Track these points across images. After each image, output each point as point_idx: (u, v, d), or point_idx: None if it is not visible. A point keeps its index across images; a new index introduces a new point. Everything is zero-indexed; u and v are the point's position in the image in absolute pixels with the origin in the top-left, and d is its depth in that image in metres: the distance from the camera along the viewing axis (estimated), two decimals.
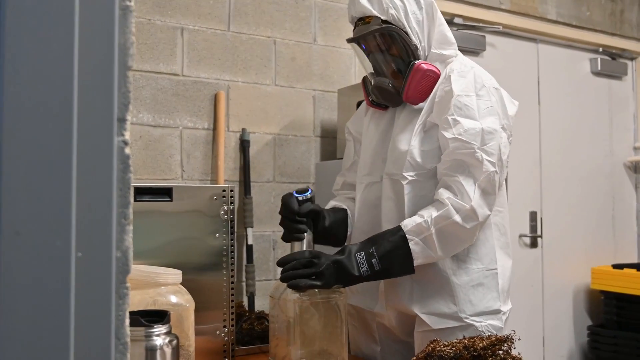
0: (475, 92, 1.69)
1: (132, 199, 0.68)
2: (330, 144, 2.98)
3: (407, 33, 1.75)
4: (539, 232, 3.83)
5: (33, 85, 0.61)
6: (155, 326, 1.25)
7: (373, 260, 1.60)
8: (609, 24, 4.12)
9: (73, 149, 0.62)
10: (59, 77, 0.62)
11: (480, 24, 3.57)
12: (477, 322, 1.69)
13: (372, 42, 1.79)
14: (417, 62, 1.74)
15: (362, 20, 1.77)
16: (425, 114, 1.74)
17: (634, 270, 3.62)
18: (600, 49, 4.16)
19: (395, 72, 1.79)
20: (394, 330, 1.81)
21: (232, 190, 1.82)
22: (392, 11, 1.73)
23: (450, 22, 3.45)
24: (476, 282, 1.72)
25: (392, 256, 1.61)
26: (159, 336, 1.26)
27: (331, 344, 1.64)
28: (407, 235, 1.61)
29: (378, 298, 1.80)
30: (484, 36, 3.58)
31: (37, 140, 0.61)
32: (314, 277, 1.57)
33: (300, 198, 1.71)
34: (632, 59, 4.35)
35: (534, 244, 3.82)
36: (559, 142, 3.95)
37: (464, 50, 3.39)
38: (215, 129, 2.69)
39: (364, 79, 1.91)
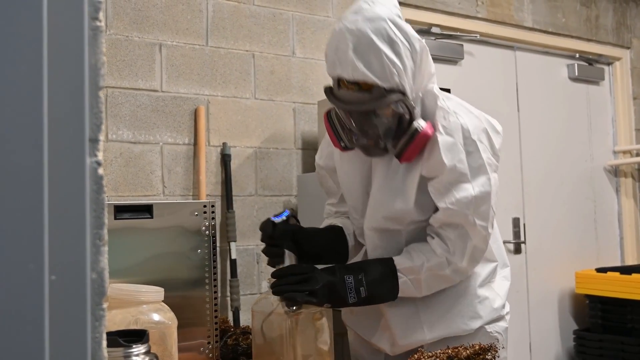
0: (465, 149, 1.60)
1: (106, 220, 0.68)
2: (312, 156, 2.97)
3: (406, 94, 1.55)
4: (522, 239, 3.85)
5: (2, 107, 0.60)
6: (134, 346, 1.24)
7: (361, 288, 1.63)
8: (585, 29, 4.17)
9: (44, 171, 0.61)
10: (28, 99, 0.61)
11: (458, 33, 3.59)
12: (487, 326, 1.79)
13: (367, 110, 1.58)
14: (421, 128, 1.57)
15: (356, 85, 1.53)
16: (419, 171, 1.64)
17: (617, 274, 3.64)
18: (577, 55, 4.20)
19: (387, 132, 1.61)
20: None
21: (212, 206, 1.82)
22: (395, 78, 1.50)
23: (427, 32, 3.47)
24: (482, 297, 1.80)
25: (379, 286, 1.65)
26: (138, 356, 1.24)
27: (320, 357, 1.65)
28: (398, 273, 1.65)
29: (377, 330, 1.81)
30: (462, 45, 3.60)
31: (7, 163, 0.60)
32: (307, 293, 1.58)
33: (276, 221, 1.70)
34: (608, 64, 4.40)
35: (517, 250, 3.83)
36: (539, 148, 3.98)
37: (442, 60, 3.45)
38: (195, 144, 2.68)
39: (329, 116, 1.70)
